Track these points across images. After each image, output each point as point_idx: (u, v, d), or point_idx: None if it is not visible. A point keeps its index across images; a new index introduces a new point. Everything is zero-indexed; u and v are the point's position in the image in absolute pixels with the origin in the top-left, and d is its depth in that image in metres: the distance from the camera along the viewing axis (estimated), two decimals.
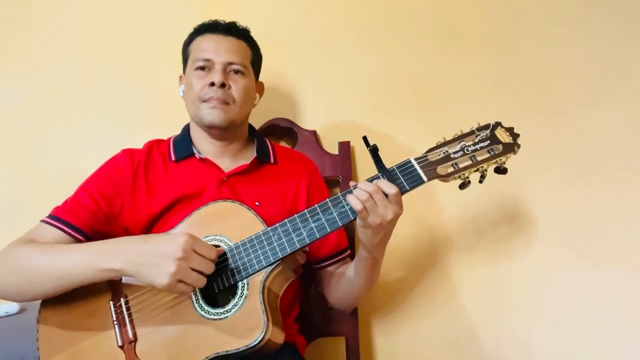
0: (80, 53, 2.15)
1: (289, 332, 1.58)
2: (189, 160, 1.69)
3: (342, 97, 2.11)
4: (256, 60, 1.77)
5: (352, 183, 1.43)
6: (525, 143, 1.45)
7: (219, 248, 1.44)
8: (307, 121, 2.08)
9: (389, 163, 1.44)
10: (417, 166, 1.42)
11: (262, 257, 1.44)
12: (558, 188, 1.98)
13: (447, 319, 1.96)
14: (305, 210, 1.46)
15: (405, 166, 1.43)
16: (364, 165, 2.03)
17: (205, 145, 1.72)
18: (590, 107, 2.02)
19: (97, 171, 1.66)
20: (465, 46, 2.10)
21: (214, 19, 1.74)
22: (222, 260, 1.44)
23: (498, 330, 1.94)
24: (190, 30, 1.76)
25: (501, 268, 1.96)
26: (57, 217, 1.55)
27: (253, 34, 1.77)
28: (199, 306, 1.44)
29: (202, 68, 1.67)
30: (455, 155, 1.42)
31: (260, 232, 1.46)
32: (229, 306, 1.43)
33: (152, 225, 1.61)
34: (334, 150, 2.01)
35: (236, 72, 1.67)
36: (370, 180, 1.42)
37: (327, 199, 1.46)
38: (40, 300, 1.51)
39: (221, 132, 1.68)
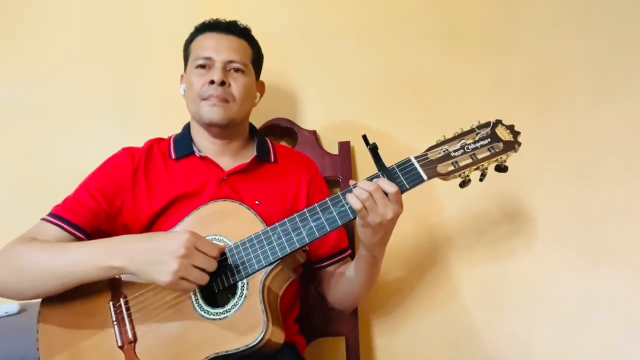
0: (80, 53, 2.15)
1: (289, 332, 1.58)
2: (189, 158, 1.69)
3: (342, 97, 2.11)
4: (257, 59, 1.77)
5: (351, 182, 1.43)
6: (525, 142, 1.45)
7: (221, 245, 1.44)
8: (307, 121, 2.08)
9: (389, 162, 1.44)
10: (417, 165, 1.42)
11: (261, 257, 1.44)
12: (558, 188, 1.98)
13: (447, 319, 1.96)
14: (305, 210, 1.46)
15: (405, 165, 1.43)
16: (364, 165, 2.03)
17: (205, 144, 1.71)
18: (590, 107, 2.02)
19: (98, 169, 1.66)
20: (465, 46, 2.10)
21: (215, 18, 1.74)
22: (221, 260, 1.44)
23: (498, 330, 1.94)
24: (190, 30, 1.76)
25: (501, 267, 1.96)
26: (58, 215, 1.55)
27: (253, 33, 1.77)
28: (198, 306, 1.44)
29: (202, 66, 1.67)
30: (456, 154, 1.42)
31: (260, 232, 1.46)
32: (229, 306, 1.43)
33: (152, 223, 1.61)
34: (334, 150, 2.01)
35: (236, 70, 1.67)
36: (370, 179, 1.41)
37: (327, 198, 1.45)
38: (40, 301, 1.50)
39: (221, 130, 1.68)
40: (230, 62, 1.67)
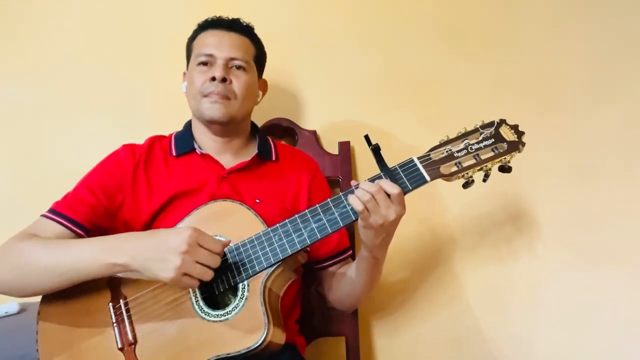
0: (80, 53, 2.14)
1: (289, 333, 1.57)
2: (189, 155, 1.69)
3: (342, 97, 2.10)
4: (259, 57, 1.76)
5: (353, 182, 1.42)
6: (525, 142, 1.44)
7: (224, 241, 1.42)
8: (307, 121, 2.08)
9: (389, 163, 1.43)
10: (419, 165, 1.41)
11: (262, 259, 1.44)
12: (558, 188, 1.98)
13: (449, 320, 1.96)
14: (306, 210, 1.45)
15: (408, 165, 1.41)
16: (364, 165, 2.03)
17: (206, 141, 1.71)
18: (590, 107, 2.02)
19: (98, 166, 1.66)
20: (465, 46, 2.10)
21: (218, 15, 1.73)
22: (222, 261, 1.43)
23: (498, 331, 1.94)
24: (189, 30, 1.75)
25: (503, 268, 1.96)
26: (58, 212, 1.55)
27: None
28: (199, 308, 1.44)
29: (204, 63, 1.66)
30: (459, 154, 1.40)
31: (261, 233, 1.45)
32: (230, 308, 1.42)
33: (153, 219, 1.60)
34: (334, 150, 2.01)
35: (238, 67, 1.66)
36: (372, 179, 1.40)
37: (329, 199, 1.44)
38: (39, 301, 1.50)
39: (222, 127, 1.68)
40: (232, 59, 1.66)
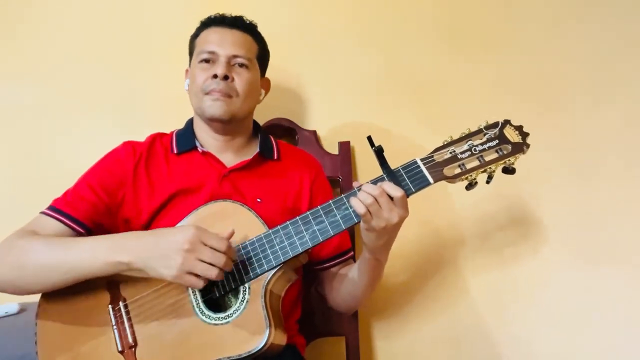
0: (80, 53, 2.14)
1: (289, 333, 1.56)
2: (191, 153, 1.68)
3: (342, 97, 2.10)
4: (262, 55, 1.75)
5: (355, 184, 1.41)
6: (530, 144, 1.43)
7: (228, 233, 1.40)
8: (307, 121, 2.08)
9: (389, 162, 1.41)
10: (422, 167, 1.39)
11: (264, 261, 1.43)
12: (558, 188, 1.99)
13: (448, 321, 1.97)
14: (308, 212, 1.44)
15: (411, 167, 1.40)
16: (364, 165, 2.03)
17: (208, 139, 1.70)
18: (590, 107, 2.02)
19: (98, 163, 1.65)
20: (465, 46, 2.10)
21: (221, 13, 1.72)
22: None
23: (498, 331, 1.95)
24: (190, 29, 1.75)
25: (503, 268, 1.97)
26: (58, 209, 1.54)
27: None
28: (199, 310, 1.43)
29: (206, 60, 1.65)
30: (463, 156, 1.39)
31: (262, 235, 1.44)
32: (231, 310, 1.42)
33: (153, 217, 1.59)
34: (334, 150, 2.01)
35: (240, 65, 1.65)
36: (375, 181, 1.39)
37: (330, 201, 1.43)
38: (38, 302, 1.50)
39: (223, 125, 1.67)
40: (235, 56, 1.65)
